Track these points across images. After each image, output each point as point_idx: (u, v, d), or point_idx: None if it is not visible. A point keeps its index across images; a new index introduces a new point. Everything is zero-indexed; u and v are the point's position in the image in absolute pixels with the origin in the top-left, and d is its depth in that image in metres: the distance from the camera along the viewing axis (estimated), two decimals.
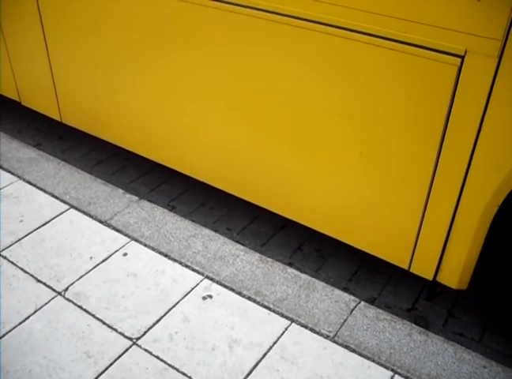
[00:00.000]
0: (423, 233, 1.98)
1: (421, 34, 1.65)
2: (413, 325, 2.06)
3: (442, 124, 1.74)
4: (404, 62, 1.73)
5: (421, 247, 2.01)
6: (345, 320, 2.06)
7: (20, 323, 2.04)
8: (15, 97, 3.30)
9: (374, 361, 1.91)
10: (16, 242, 2.41)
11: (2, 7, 2.93)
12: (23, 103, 3.29)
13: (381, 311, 2.12)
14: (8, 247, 2.38)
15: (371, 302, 2.32)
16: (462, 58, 1.61)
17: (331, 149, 2.05)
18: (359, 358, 1.92)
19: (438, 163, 1.81)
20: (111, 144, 2.93)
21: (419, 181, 1.88)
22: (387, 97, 1.82)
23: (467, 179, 1.78)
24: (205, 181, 2.57)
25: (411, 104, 1.78)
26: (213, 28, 2.12)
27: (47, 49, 2.84)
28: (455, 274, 1.99)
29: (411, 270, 2.09)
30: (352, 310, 2.10)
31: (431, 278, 2.05)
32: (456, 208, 1.86)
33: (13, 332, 2.00)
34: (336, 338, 1.99)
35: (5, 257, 2.32)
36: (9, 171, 2.88)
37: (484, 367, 1.89)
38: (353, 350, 1.95)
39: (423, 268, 2.05)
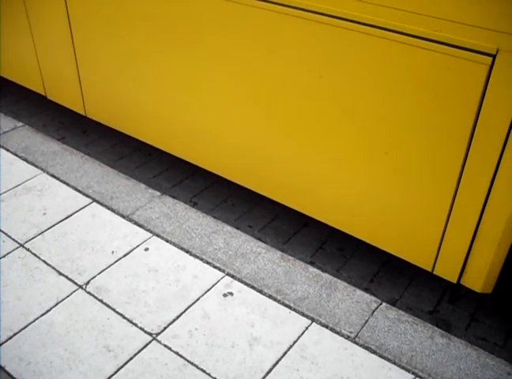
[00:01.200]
0: (448, 235, 1.95)
1: (453, 32, 1.62)
2: (435, 328, 2.03)
3: (471, 125, 1.71)
4: (434, 61, 1.69)
5: (446, 249, 1.98)
6: (366, 321, 2.04)
7: (42, 315, 2.05)
8: (40, 91, 3.33)
9: (395, 363, 1.89)
10: (39, 234, 2.43)
11: (30, 1, 2.94)
12: (48, 97, 3.31)
13: (402, 313, 2.09)
14: (31, 239, 2.39)
15: (393, 303, 2.30)
16: (494, 56, 1.58)
17: (356, 148, 2.02)
18: (380, 359, 1.90)
19: (466, 165, 1.78)
20: (134, 138, 2.93)
21: (445, 182, 1.85)
22: (414, 96, 1.80)
23: (494, 182, 1.75)
24: (228, 177, 2.56)
25: (439, 104, 1.75)
26: (241, 24, 2.11)
27: (73, 43, 2.85)
28: (480, 277, 1.95)
29: (434, 272, 2.06)
30: (374, 311, 2.08)
31: (455, 281, 2.02)
32: (482, 211, 1.83)
33: (34, 323, 2.02)
34: (357, 339, 1.97)
35: (28, 249, 2.34)
36: (33, 164, 2.90)
37: (509, 374, 1.85)
38: (374, 352, 1.93)
39: (447, 271, 2.02)
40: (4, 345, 1.93)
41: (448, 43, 1.65)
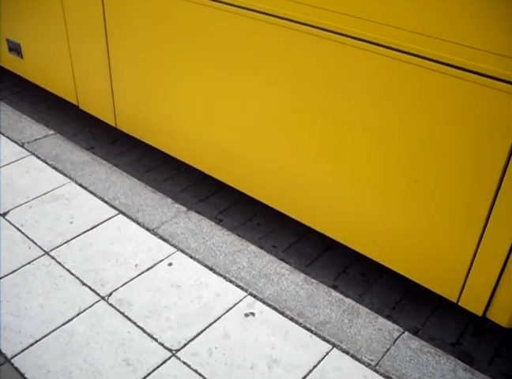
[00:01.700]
0: (475, 267, 1.92)
1: (485, 62, 1.61)
2: (458, 361, 2.00)
3: (506, 156, 1.69)
4: (468, 91, 1.68)
5: (472, 281, 1.95)
6: (388, 350, 2.01)
7: (63, 324, 2.06)
8: (73, 101, 3.37)
9: None
10: (64, 243, 2.45)
11: (69, 12, 3.00)
12: (80, 107, 3.36)
13: (425, 343, 2.06)
14: (57, 247, 2.41)
15: (415, 332, 2.27)
16: None
17: (385, 175, 2.01)
18: None
19: (497, 197, 1.76)
20: (161, 151, 2.95)
21: (476, 213, 1.83)
22: (444, 126, 1.78)
23: None
24: (254, 196, 2.56)
25: (472, 135, 1.73)
26: (276, 46, 2.12)
27: (108, 56, 2.89)
28: (507, 312, 1.92)
29: (459, 303, 2.03)
30: (396, 340, 2.05)
31: (480, 314, 1.98)
32: None
33: (55, 332, 2.03)
34: (377, 367, 1.94)
35: (53, 257, 2.36)
36: (62, 173, 2.94)
37: None
38: None
39: (473, 303, 1.99)
40: (25, 352, 1.94)
41: (481, 72, 1.64)
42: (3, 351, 1.94)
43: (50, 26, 3.18)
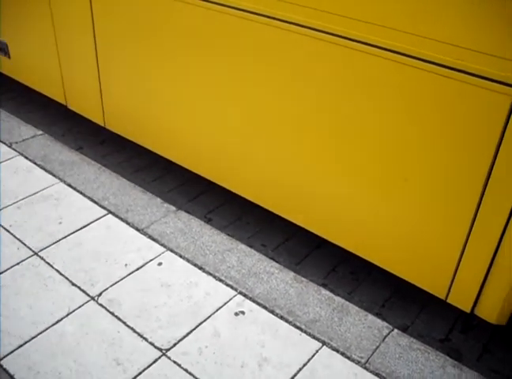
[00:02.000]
0: (463, 263, 1.93)
1: (475, 62, 1.63)
2: (447, 358, 2.01)
3: (492, 153, 1.70)
4: (457, 90, 1.70)
5: (460, 278, 1.97)
6: (377, 347, 2.02)
7: (53, 324, 2.06)
8: (62, 100, 3.36)
9: None
10: (53, 243, 2.44)
11: (57, 10, 2.98)
12: (69, 107, 3.35)
13: (414, 340, 2.07)
14: (45, 248, 2.41)
15: (404, 329, 2.28)
16: None
17: (375, 173, 2.02)
18: None
19: (484, 194, 1.77)
20: (150, 151, 2.95)
21: (463, 210, 1.84)
22: (436, 124, 1.80)
23: None
24: (243, 195, 2.57)
25: (460, 133, 1.75)
26: (272, 47, 2.12)
27: (96, 55, 2.89)
28: (495, 308, 1.93)
29: (448, 300, 2.05)
30: (385, 337, 2.07)
31: (468, 310, 2.00)
32: (500, 241, 1.81)
33: (45, 333, 2.02)
34: (367, 364, 1.95)
35: (42, 258, 2.35)
36: (50, 173, 2.93)
37: None
38: None
39: (461, 300, 2.01)
40: (14, 353, 1.93)
41: (472, 72, 1.65)
42: None
43: (38, 25, 3.16)
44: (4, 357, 1.92)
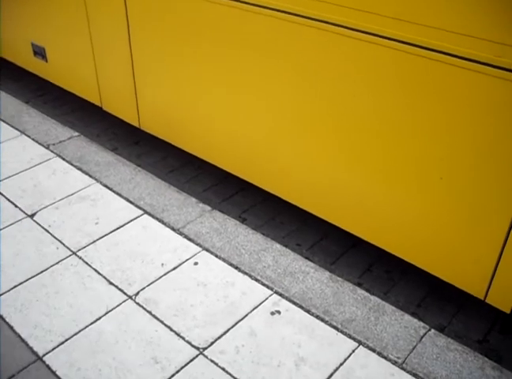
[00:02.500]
0: (502, 263, 1.91)
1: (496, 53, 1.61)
2: (485, 359, 1.99)
3: None
4: (493, 87, 1.68)
5: (499, 277, 1.94)
6: (414, 347, 2.01)
7: (92, 323, 2.09)
8: (97, 102, 3.41)
9: None
10: (91, 243, 2.48)
11: (93, 15, 3.03)
12: (104, 108, 3.40)
13: (451, 340, 2.05)
14: (83, 248, 2.45)
15: (441, 329, 2.26)
16: None
17: (410, 171, 2.01)
18: None
19: None
20: (185, 151, 2.98)
21: (501, 208, 1.82)
22: (467, 122, 1.78)
23: None
24: (277, 194, 2.57)
25: (495, 129, 1.72)
26: (293, 42, 2.13)
27: (131, 56, 2.92)
28: None
29: (486, 300, 2.02)
30: (422, 337, 2.05)
31: (508, 311, 1.97)
32: None
33: (85, 331, 2.06)
34: (404, 365, 1.94)
35: (80, 258, 2.39)
36: (87, 174, 2.98)
37: None
38: None
39: (501, 300, 1.98)
40: (55, 350, 1.97)
41: (508, 68, 1.63)
42: (35, 349, 1.97)
43: (74, 29, 3.22)
44: (46, 353, 1.96)
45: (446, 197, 1.96)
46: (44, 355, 1.95)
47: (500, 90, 1.67)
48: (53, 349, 1.98)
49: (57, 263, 2.36)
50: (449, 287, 2.10)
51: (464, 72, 1.72)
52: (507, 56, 1.62)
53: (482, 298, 2.03)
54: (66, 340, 2.01)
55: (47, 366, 1.91)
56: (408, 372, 1.92)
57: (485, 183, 1.83)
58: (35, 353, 1.96)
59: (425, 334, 2.07)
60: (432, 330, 2.09)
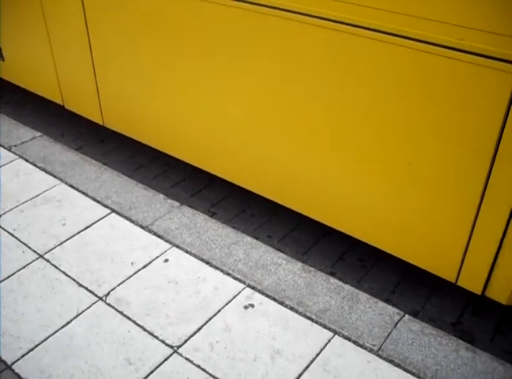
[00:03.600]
0: (472, 245, 1.92)
1: (477, 41, 1.60)
2: (460, 341, 2.00)
3: (496, 134, 1.68)
4: (458, 70, 1.67)
5: (470, 260, 1.95)
6: (389, 334, 2.01)
7: (62, 327, 2.05)
8: (58, 101, 3.34)
9: (419, 377, 1.86)
10: (58, 245, 2.43)
11: (48, 10, 2.96)
12: (66, 107, 3.33)
13: (425, 325, 2.06)
14: (50, 250, 2.39)
15: (415, 314, 2.27)
16: None
17: (379, 158, 2.00)
18: (404, 373, 1.87)
19: (491, 176, 1.75)
20: (151, 148, 2.93)
21: (470, 192, 1.83)
22: (436, 106, 1.77)
23: None
24: (246, 186, 2.55)
25: (464, 114, 1.72)
26: (262, 35, 2.10)
27: (91, 53, 2.86)
28: (505, 289, 1.92)
29: (458, 283, 2.03)
30: (397, 323, 2.05)
31: (479, 292, 1.99)
32: (508, 221, 1.79)
33: (55, 335, 2.01)
34: (380, 352, 1.94)
35: (47, 260, 2.34)
36: (51, 174, 2.91)
37: None
38: (398, 365, 1.90)
39: (472, 282, 1.99)
40: (25, 357, 1.92)
41: (473, 51, 1.63)
42: (3, 358, 1.92)
43: (31, 27, 3.14)
44: (15, 361, 1.91)
45: (415, 182, 1.96)
46: (13, 363, 1.90)
47: (466, 75, 1.66)
48: (22, 356, 1.92)
49: (24, 267, 2.31)
50: (422, 272, 2.11)
51: (431, 57, 1.71)
52: (469, 39, 1.62)
53: (454, 282, 2.04)
54: (36, 346, 1.96)
55: (17, 375, 1.86)
56: (384, 359, 1.92)
57: (454, 168, 1.83)
58: (3, 361, 1.90)
59: (399, 320, 2.07)
60: (406, 315, 2.09)
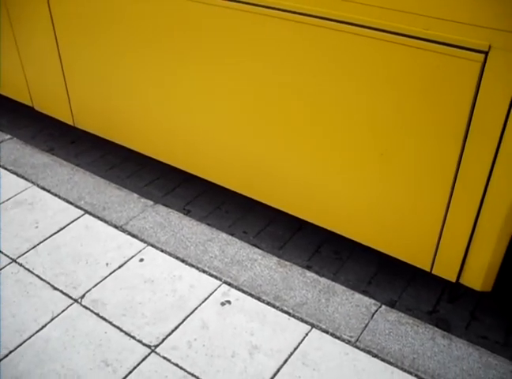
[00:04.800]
0: (445, 234, 1.93)
1: (443, 30, 1.61)
2: (436, 329, 2.02)
3: (465, 123, 1.69)
4: (425, 60, 1.68)
5: (443, 248, 1.97)
6: (367, 325, 2.02)
7: (38, 331, 2.02)
8: (27, 102, 3.29)
9: (397, 366, 1.87)
10: (31, 248, 2.39)
11: (13, 11, 2.91)
12: (35, 108, 3.28)
13: (402, 314, 2.07)
14: (23, 254, 2.36)
15: (392, 305, 2.28)
16: (486, 53, 1.56)
17: (350, 149, 2.01)
18: (382, 363, 1.89)
19: (461, 163, 1.77)
20: (124, 147, 2.90)
21: (441, 181, 1.84)
22: (406, 97, 1.78)
23: (491, 179, 1.74)
24: (220, 183, 2.54)
25: (432, 103, 1.73)
26: (230, 29, 2.09)
27: (59, 53, 2.82)
28: (479, 276, 1.94)
29: (433, 272, 2.05)
30: (373, 314, 2.06)
31: (454, 280, 2.00)
32: (480, 208, 1.81)
33: (30, 340, 1.98)
34: (358, 343, 1.95)
35: (21, 264, 2.30)
36: (23, 177, 2.87)
37: None
38: (376, 356, 1.91)
39: (446, 270, 2.01)
40: (0, 363, 1.89)
41: (438, 40, 1.64)
42: None
43: None
44: None
45: (387, 172, 1.97)
46: None
47: (433, 64, 1.67)
48: None
49: None
50: (398, 262, 2.12)
51: (397, 47, 1.72)
52: (435, 28, 1.63)
53: (429, 270, 2.05)
54: (11, 352, 1.93)
55: None
56: (361, 350, 1.93)
57: (425, 157, 1.84)
58: None
59: (376, 311, 2.08)
60: (383, 306, 2.11)
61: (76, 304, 2.12)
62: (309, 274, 2.24)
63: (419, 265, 2.08)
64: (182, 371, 1.86)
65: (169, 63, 2.37)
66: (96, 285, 2.20)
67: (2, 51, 3.17)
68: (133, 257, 2.34)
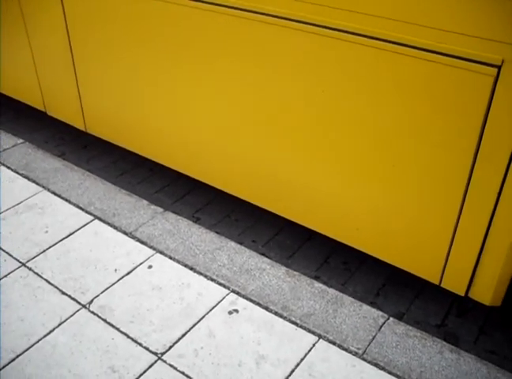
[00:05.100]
0: (455, 247, 1.93)
1: (457, 44, 1.61)
2: (444, 343, 2.00)
3: (477, 137, 1.69)
4: (438, 73, 1.68)
5: (453, 262, 1.96)
6: (374, 337, 2.01)
7: (45, 335, 2.02)
8: (40, 107, 3.31)
9: None
10: (41, 253, 2.40)
11: (29, 17, 2.94)
12: (48, 113, 3.30)
13: (410, 327, 2.06)
14: (33, 258, 2.37)
15: (400, 317, 2.27)
16: (499, 67, 1.56)
17: (361, 161, 2.01)
18: (389, 376, 1.87)
19: (472, 177, 1.76)
20: (134, 153, 2.92)
21: (452, 194, 1.83)
22: (419, 110, 1.78)
23: (502, 193, 1.73)
24: (230, 191, 2.54)
25: (445, 116, 1.73)
26: (243, 40, 2.10)
27: (72, 59, 2.85)
28: (488, 290, 1.93)
29: (442, 285, 2.04)
30: (381, 326, 2.05)
31: (463, 294, 1.99)
32: (490, 222, 1.81)
33: (38, 344, 1.99)
34: (365, 355, 1.94)
35: (30, 269, 2.31)
36: (34, 181, 2.88)
37: None
38: (383, 368, 1.90)
39: (455, 284, 2.00)
40: (6, 368, 1.90)
41: (452, 54, 1.64)
42: None
43: (11, 32, 3.11)
44: None
45: (398, 184, 1.96)
46: None
47: (446, 77, 1.67)
48: (4, 367, 1.90)
49: (5, 276, 2.28)
50: (407, 275, 2.11)
51: (411, 60, 1.72)
52: (448, 42, 1.63)
53: (437, 283, 2.04)
54: (18, 356, 1.94)
55: None
56: (368, 362, 1.92)
57: (436, 170, 1.84)
58: None
59: (384, 323, 2.07)
60: (391, 318, 2.10)
61: (84, 309, 2.13)
62: (317, 284, 2.23)
63: (428, 278, 2.07)
64: None
65: (181, 71, 2.38)
66: (104, 291, 2.21)
67: (17, 57, 3.20)
68: (141, 263, 2.34)
